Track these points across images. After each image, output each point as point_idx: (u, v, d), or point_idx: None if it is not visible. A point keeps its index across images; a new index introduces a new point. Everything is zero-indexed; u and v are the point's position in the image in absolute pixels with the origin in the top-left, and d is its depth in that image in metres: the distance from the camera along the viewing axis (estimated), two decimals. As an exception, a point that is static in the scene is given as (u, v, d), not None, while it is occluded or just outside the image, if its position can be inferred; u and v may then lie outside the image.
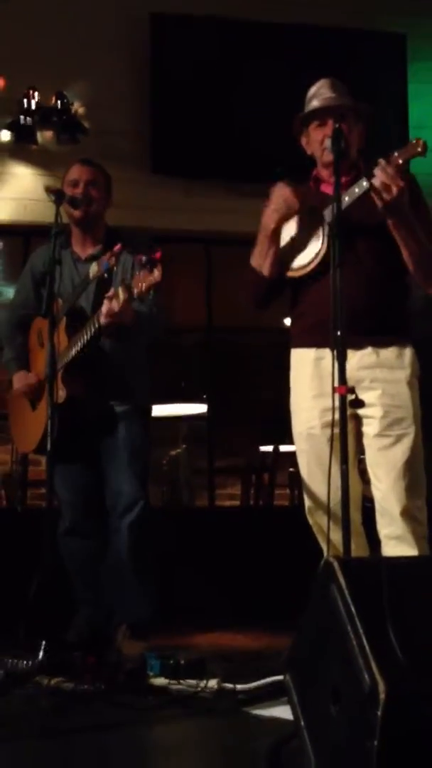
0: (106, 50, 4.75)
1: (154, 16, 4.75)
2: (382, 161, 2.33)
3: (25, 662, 2.46)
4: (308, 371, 2.53)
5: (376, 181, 2.33)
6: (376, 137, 2.71)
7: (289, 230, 2.54)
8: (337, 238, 2.26)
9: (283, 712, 1.92)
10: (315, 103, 2.56)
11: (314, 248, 2.49)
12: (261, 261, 2.56)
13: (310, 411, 2.51)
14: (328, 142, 2.43)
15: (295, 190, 2.49)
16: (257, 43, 4.76)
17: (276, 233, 2.53)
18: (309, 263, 2.50)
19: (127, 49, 4.80)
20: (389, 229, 2.45)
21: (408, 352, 2.49)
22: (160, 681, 2.41)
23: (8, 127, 4.63)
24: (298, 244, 2.52)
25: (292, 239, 2.53)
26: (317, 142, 2.55)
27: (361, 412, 2.45)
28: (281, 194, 2.51)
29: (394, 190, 2.32)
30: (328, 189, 2.53)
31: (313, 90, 2.60)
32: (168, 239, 4.58)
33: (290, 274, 2.55)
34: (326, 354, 2.33)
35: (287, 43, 4.74)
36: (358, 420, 2.50)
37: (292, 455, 2.80)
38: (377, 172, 2.33)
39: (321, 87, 2.58)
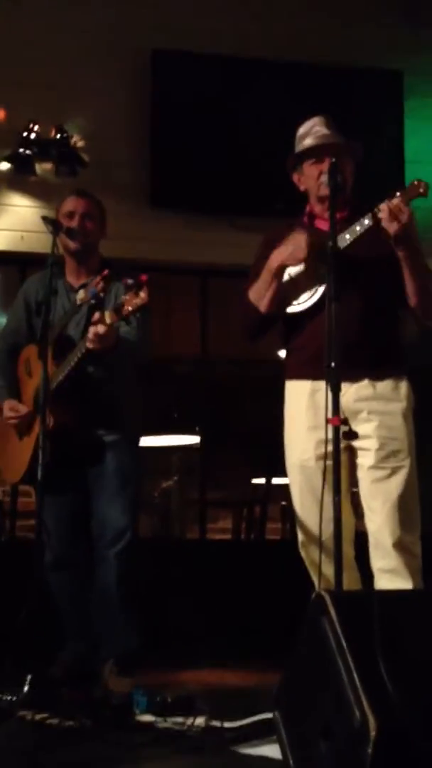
0: (106, 84, 4.81)
1: (156, 52, 4.82)
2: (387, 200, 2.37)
3: (9, 696, 2.41)
4: (303, 403, 2.53)
5: (383, 214, 2.36)
6: (372, 173, 2.75)
7: (292, 268, 2.55)
8: (332, 272, 2.27)
9: (272, 750, 1.88)
10: (310, 141, 2.59)
11: (315, 287, 2.51)
12: (260, 296, 2.57)
13: (304, 443, 2.51)
14: (324, 177, 2.45)
15: (310, 239, 2.48)
16: (256, 80, 4.84)
17: (280, 271, 2.54)
18: (308, 300, 2.52)
19: (127, 82, 4.86)
20: (387, 264, 2.47)
21: (404, 385, 2.51)
22: (147, 718, 2.37)
23: (7, 159, 4.67)
24: (299, 282, 2.53)
25: (294, 277, 2.54)
26: (313, 177, 2.58)
27: (356, 444, 2.45)
28: (297, 242, 2.50)
29: (404, 218, 2.34)
30: (322, 224, 2.55)
31: (306, 127, 2.63)
32: (165, 270, 4.61)
33: (290, 310, 2.56)
34: (322, 386, 2.34)
35: (285, 80, 4.81)
36: (352, 452, 2.50)
37: (285, 488, 2.79)
38: (383, 206, 2.36)
39: (315, 125, 2.61)
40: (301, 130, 2.64)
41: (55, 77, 4.72)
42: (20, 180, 4.71)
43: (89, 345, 2.74)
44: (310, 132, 2.60)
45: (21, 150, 4.64)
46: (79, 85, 4.76)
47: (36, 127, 4.64)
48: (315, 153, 2.57)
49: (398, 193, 2.37)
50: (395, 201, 2.36)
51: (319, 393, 2.40)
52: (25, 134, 4.62)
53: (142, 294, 2.59)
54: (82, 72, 4.78)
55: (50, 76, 4.72)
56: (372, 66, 4.96)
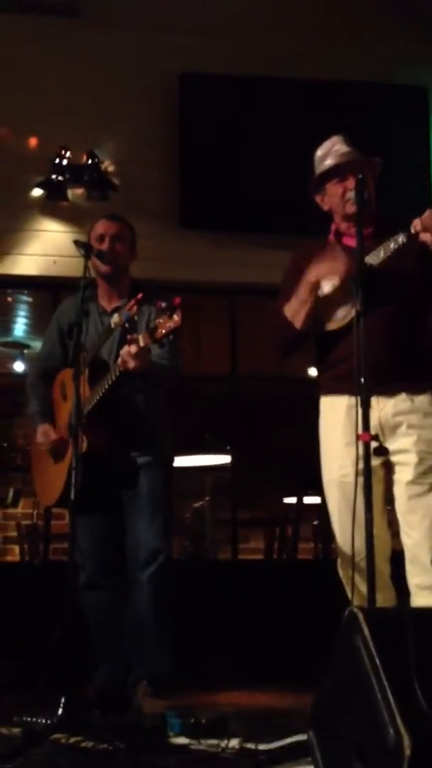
0: (135, 108, 4.88)
1: (183, 75, 4.89)
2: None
3: (43, 720, 2.41)
4: (341, 418, 2.51)
5: (418, 227, 2.36)
6: (398, 189, 2.74)
7: (327, 286, 2.55)
8: (361, 288, 2.27)
9: (306, 772, 1.85)
10: (331, 161, 2.59)
11: (351, 304, 2.50)
12: (295, 312, 2.57)
13: (342, 459, 2.48)
14: (351, 194, 2.46)
15: (347, 258, 2.49)
16: (280, 100, 4.87)
17: (316, 288, 2.54)
18: (344, 318, 2.51)
19: (156, 107, 4.93)
20: (420, 278, 2.47)
21: None
22: (181, 740, 2.35)
23: (40, 185, 4.75)
24: (335, 300, 2.53)
25: (328, 295, 2.54)
26: (337, 196, 2.58)
27: (393, 458, 2.44)
28: (336, 258, 2.51)
29: None
30: (350, 242, 2.55)
31: (324, 148, 2.63)
32: (194, 290, 4.63)
33: (329, 327, 2.56)
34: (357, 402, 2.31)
35: (310, 98, 4.83)
36: (389, 468, 2.47)
37: (316, 507, 2.77)
38: (416, 221, 2.37)
39: (334, 144, 2.62)
40: (320, 151, 2.64)
41: (86, 103, 4.81)
42: (52, 205, 4.78)
43: (122, 365, 2.75)
44: (330, 152, 2.61)
45: (53, 176, 4.71)
46: (109, 110, 4.84)
47: (68, 153, 4.71)
48: (338, 172, 2.58)
49: (429, 209, 2.37)
50: (427, 213, 2.36)
51: (356, 409, 2.37)
52: (57, 160, 4.70)
53: (176, 317, 2.61)
54: (112, 97, 4.85)
55: (81, 102, 4.80)
56: (397, 82, 4.97)
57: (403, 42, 5.05)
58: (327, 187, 2.62)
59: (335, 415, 2.54)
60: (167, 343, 2.78)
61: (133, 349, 2.72)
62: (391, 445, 2.46)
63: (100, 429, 2.91)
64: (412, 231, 2.38)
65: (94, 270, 3.07)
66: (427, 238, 2.37)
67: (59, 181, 4.72)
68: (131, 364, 2.73)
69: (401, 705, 1.39)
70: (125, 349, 2.74)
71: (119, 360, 2.77)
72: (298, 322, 2.56)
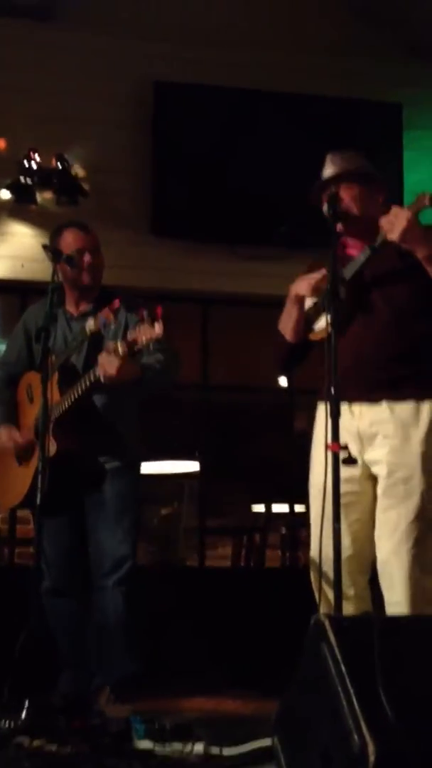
0: (107, 113, 4.88)
1: (158, 83, 4.90)
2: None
3: (7, 722, 2.39)
4: (323, 426, 2.51)
5: (382, 228, 2.38)
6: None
7: (309, 299, 2.57)
8: (333, 305, 2.27)
9: (271, 777, 1.86)
10: (325, 173, 2.60)
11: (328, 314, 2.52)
12: (285, 325, 2.60)
13: (322, 465, 2.48)
14: (325, 208, 2.47)
15: (321, 275, 2.48)
16: (256, 111, 4.91)
17: (300, 300, 2.55)
18: (322, 329, 2.49)
19: (129, 112, 4.93)
20: (405, 280, 2.45)
21: (426, 408, 2.41)
22: (146, 744, 2.34)
23: (8, 188, 4.72)
24: (315, 311, 2.55)
25: (315, 304, 2.55)
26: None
27: (372, 469, 2.42)
28: (312, 274, 2.51)
29: (402, 219, 2.34)
30: (353, 252, 2.55)
31: (329, 157, 2.63)
32: (165, 299, 4.63)
33: (311, 337, 2.57)
34: (344, 409, 2.31)
35: (285, 111, 4.88)
36: (375, 480, 2.44)
37: (285, 516, 2.78)
38: (382, 220, 2.39)
39: (329, 157, 2.62)
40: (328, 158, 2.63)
41: (57, 107, 4.79)
42: (21, 209, 4.75)
43: (102, 374, 2.73)
44: (325, 166, 2.61)
45: (22, 179, 4.69)
46: (80, 114, 4.83)
47: (37, 156, 4.69)
48: (321, 187, 2.56)
49: (406, 207, 2.40)
50: (392, 210, 2.38)
51: (342, 416, 2.28)
52: (25, 163, 4.67)
53: (157, 326, 2.59)
54: (84, 102, 4.85)
55: (51, 105, 4.79)
56: (371, 99, 5.04)
57: (379, 59, 5.11)
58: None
59: (320, 422, 2.52)
60: (157, 346, 2.75)
61: (115, 361, 2.71)
62: (368, 455, 2.43)
63: (70, 433, 2.90)
64: (381, 231, 2.38)
65: (63, 276, 3.06)
66: (394, 234, 2.36)
67: (28, 183, 4.70)
68: (113, 376, 2.72)
69: (366, 712, 1.41)
70: (104, 357, 2.73)
71: (99, 369, 2.77)
72: (287, 335, 2.59)
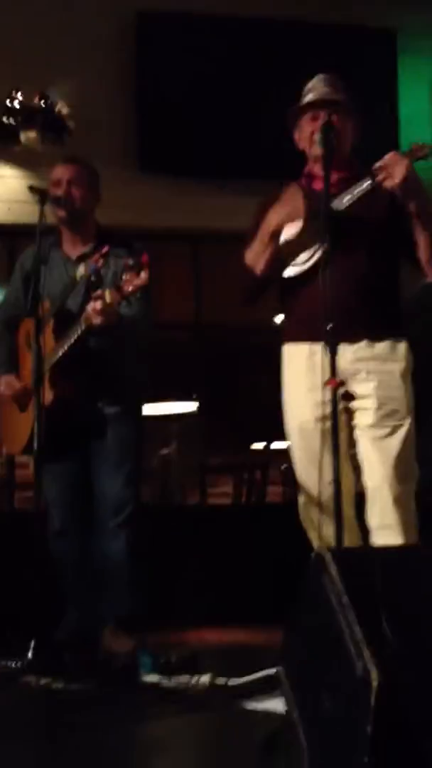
0: (91, 49, 4.75)
1: (141, 14, 4.74)
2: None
3: (14, 662, 2.44)
4: (301, 366, 2.52)
5: (378, 171, 2.34)
6: (366, 134, 2.70)
7: (289, 231, 2.52)
8: (327, 234, 2.25)
9: (276, 704, 1.91)
10: (309, 97, 2.55)
11: (311, 250, 2.48)
12: (256, 258, 2.55)
13: (303, 405, 2.50)
14: (317, 136, 2.42)
15: (308, 200, 2.46)
16: (245, 40, 4.77)
17: (277, 233, 2.51)
18: (305, 263, 2.49)
19: (112, 47, 4.80)
20: (386, 224, 2.45)
21: (402, 346, 2.50)
22: (152, 678, 2.40)
23: (-10, 128, 4.62)
24: (296, 245, 2.51)
25: (290, 240, 2.51)
26: (307, 135, 2.54)
27: (354, 404, 2.46)
28: (294, 202, 2.48)
29: (402, 169, 2.33)
30: (320, 185, 2.50)
31: (309, 85, 2.58)
32: (156, 237, 4.57)
33: (286, 273, 2.54)
34: (319, 349, 2.33)
35: (276, 39, 4.74)
36: (350, 413, 2.50)
37: (284, 452, 2.79)
38: (378, 163, 2.35)
39: (317, 81, 2.57)
40: (306, 87, 2.58)
41: (38, 43, 4.66)
42: (5, 150, 4.66)
43: (87, 321, 2.73)
44: (311, 89, 2.56)
45: (4, 119, 4.58)
46: (62, 50, 4.69)
47: (19, 95, 4.57)
48: (311, 109, 2.52)
49: (396, 153, 2.37)
50: (389, 155, 2.34)
51: (317, 355, 2.39)
52: (8, 103, 4.56)
53: (143, 274, 2.60)
54: (66, 37, 4.71)
55: (32, 42, 4.65)
56: (365, 24, 4.88)
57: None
58: (302, 124, 2.57)
59: (296, 362, 2.54)
60: (135, 299, 2.76)
61: (99, 305, 2.69)
62: (353, 390, 2.47)
63: (67, 379, 2.89)
64: (376, 172, 2.35)
65: (54, 216, 3.00)
66: (387, 182, 2.35)
67: (11, 124, 4.59)
68: (96, 320, 2.71)
69: (369, 641, 1.43)
70: (91, 305, 2.72)
71: (84, 315, 2.74)
72: (258, 268, 2.54)
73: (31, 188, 2.91)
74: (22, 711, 2.16)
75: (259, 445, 5.54)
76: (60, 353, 2.86)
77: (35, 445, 2.63)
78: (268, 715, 1.97)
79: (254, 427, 5.68)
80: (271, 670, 1.96)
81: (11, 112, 4.57)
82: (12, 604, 2.55)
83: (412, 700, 1.42)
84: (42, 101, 4.60)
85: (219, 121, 4.70)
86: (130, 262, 2.66)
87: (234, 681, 2.29)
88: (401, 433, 2.44)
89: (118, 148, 4.71)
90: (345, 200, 2.41)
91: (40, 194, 2.85)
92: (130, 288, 2.63)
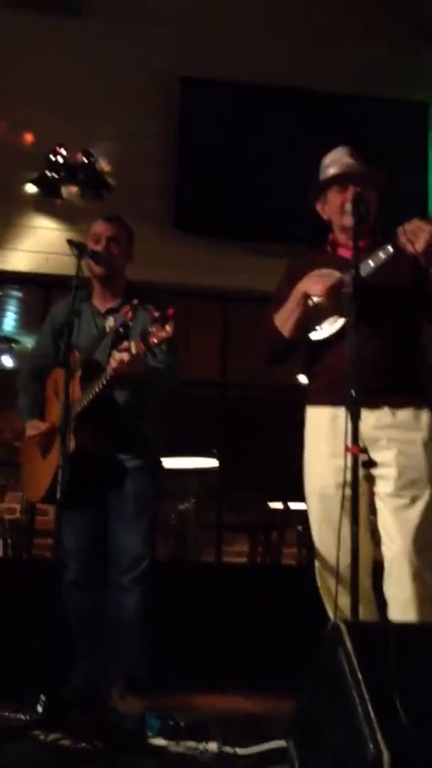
0: (133, 108, 4.88)
1: (185, 81, 4.89)
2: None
3: (23, 716, 2.42)
4: (323, 430, 2.53)
5: (402, 236, 2.38)
6: (396, 204, 2.76)
7: (316, 297, 2.56)
8: (355, 300, 2.29)
9: (284, 778, 1.87)
10: (333, 170, 2.62)
11: (337, 315, 2.52)
12: (284, 321, 2.58)
13: (324, 470, 2.50)
14: (348, 206, 2.48)
15: (336, 276, 2.49)
16: (281, 108, 4.89)
17: (306, 298, 2.55)
18: (329, 327, 2.53)
19: (154, 108, 4.93)
20: (409, 292, 2.48)
21: (425, 415, 2.50)
22: (160, 741, 2.36)
23: (34, 182, 4.75)
24: (323, 309, 2.54)
25: (317, 305, 2.55)
26: (336, 206, 2.60)
27: (375, 472, 2.45)
28: (324, 274, 2.51)
29: (426, 233, 2.35)
30: (345, 253, 2.56)
31: (330, 157, 2.66)
32: (186, 294, 4.65)
33: (312, 336, 2.57)
34: (341, 413, 2.34)
35: (310, 108, 4.85)
36: (371, 481, 2.49)
37: (302, 513, 2.79)
38: (400, 228, 2.39)
39: (339, 154, 2.64)
40: (326, 159, 2.67)
41: (83, 101, 4.80)
42: (46, 202, 4.77)
43: (112, 371, 2.78)
44: (334, 161, 2.63)
45: (48, 173, 4.71)
46: (106, 109, 4.83)
47: (63, 151, 4.71)
48: (339, 181, 2.59)
49: (421, 218, 2.40)
50: (413, 221, 2.38)
51: (339, 420, 2.40)
52: (52, 157, 4.70)
53: (168, 327, 2.64)
54: (110, 96, 4.85)
55: (78, 100, 4.80)
56: (397, 97, 4.99)
57: (406, 56, 5.07)
58: (327, 196, 2.63)
59: (318, 426, 2.55)
60: (160, 351, 2.81)
61: (125, 356, 2.74)
62: (373, 458, 2.45)
63: (90, 430, 2.91)
64: (399, 238, 2.39)
65: (89, 270, 3.07)
66: (409, 248, 2.38)
67: (53, 178, 4.72)
68: (122, 371, 2.76)
69: (382, 720, 1.41)
70: (117, 356, 2.76)
71: (110, 366, 2.79)
72: (286, 331, 2.57)
73: (70, 242, 2.99)
74: (27, 766, 2.13)
75: (277, 505, 5.51)
76: (85, 402, 2.90)
77: (58, 494, 2.65)
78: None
79: (273, 486, 5.66)
80: (281, 742, 1.93)
81: (54, 166, 4.70)
82: (25, 656, 2.53)
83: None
84: (84, 158, 4.74)
85: (254, 184, 4.80)
86: (156, 314, 2.71)
87: (242, 750, 2.25)
88: (421, 503, 2.42)
89: (155, 206, 4.80)
90: (371, 264, 2.44)
91: (78, 248, 2.93)
92: (155, 340, 2.68)
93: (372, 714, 1.42)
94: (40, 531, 4.68)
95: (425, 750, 1.43)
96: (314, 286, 2.51)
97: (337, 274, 2.48)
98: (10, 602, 3.75)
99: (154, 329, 2.69)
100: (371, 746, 1.39)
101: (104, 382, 2.85)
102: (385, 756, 1.36)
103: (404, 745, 1.40)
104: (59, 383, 3.06)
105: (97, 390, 2.87)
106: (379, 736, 1.39)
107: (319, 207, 2.68)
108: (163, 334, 2.65)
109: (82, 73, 4.85)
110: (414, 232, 2.37)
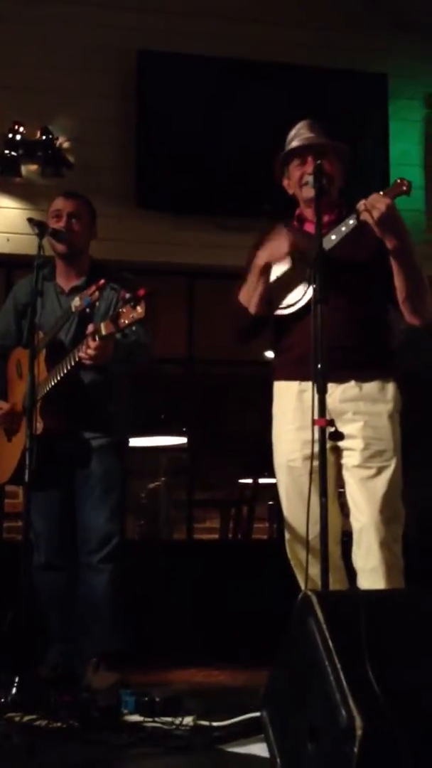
0: (92, 85, 4.80)
1: (141, 53, 4.82)
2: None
3: (-2, 697, 2.42)
4: (291, 404, 2.54)
5: (361, 207, 2.39)
6: (358, 175, 2.76)
7: (279, 269, 2.56)
8: (319, 274, 2.29)
9: (259, 749, 1.89)
10: (295, 143, 2.61)
11: (302, 289, 2.51)
12: (248, 297, 2.58)
13: (291, 443, 2.52)
14: (308, 179, 2.47)
15: (292, 236, 2.50)
16: (243, 81, 4.84)
17: (266, 271, 2.55)
18: (295, 303, 2.52)
19: (113, 83, 4.85)
20: (375, 265, 2.48)
21: (390, 387, 2.53)
22: (135, 718, 2.38)
23: (-8, 160, 4.66)
24: (286, 283, 2.54)
25: (281, 279, 2.55)
26: (297, 180, 2.59)
27: (341, 444, 2.47)
28: (279, 238, 2.52)
29: (381, 206, 2.36)
30: (311, 228, 2.55)
31: (293, 131, 2.65)
32: (151, 272, 4.61)
33: (278, 312, 2.57)
34: (308, 387, 2.34)
35: (272, 82, 4.81)
36: (338, 452, 2.51)
37: (272, 488, 2.80)
38: (361, 203, 2.39)
39: (300, 128, 2.63)
40: (290, 134, 2.65)
41: (41, 79, 4.71)
42: (5, 182, 4.69)
43: (84, 358, 2.74)
44: (296, 135, 2.62)
45: (6, 151, 4.63)
46: (64, 86, 4.75)
47: (21, 129, 4.63)
48: (299, 154, 2.58)
49: (381, 192, 2.40)
50: (372, 195, 2.39)
51: (306, 393, 2.41)
52: (10, 136, 4.61)
53: (140, 309, 2.61)
54: (68, 73, 4.76)
55: (35, 77, 4.70)
56: (356, 69, 4.98)
57: (363, 30, 5.04)
58: (290, 170, 2.62)
59: (286, 400, 2.56)
60: (136, 327, 2.78)
61: (93, 344, 2.71)
62: (340, 430, 2.47)
63: (57, 411, 2.90)
64: (359, 211, 2.39)
65: (51, 249, 3.03)
66: (368, 217, 2.39)
67: (12, 156, 4.63)
68: (95, 359, 2.73)
69: (354, 687, 1.43)
70: (91, 344, 2.72)
71: (80, 353, 2.76)
72: (252, 307, 2.57)
73: (31, 220, 2.95)
74: (3, 747, 2.13)
75: (247, 480, 5.54)
76: (52, 384, 2.88)
77: (26, 476, 2.63)
78: (251, 759, 1.96)
79: (243, 461, 5.69)
80: (255, 714, 1.95)
81: (13, 144, 4.62)
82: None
83: (396, 749, 1.42)
84: (43, 136, 4.66)
85: (217, 159, 4.76)
86: (127, 295, 2.68)
87: (218, 723, 2.27)
88: (387, 474, 2.45)
89: (117, 184, 4.73)
90: (332, 238, 2.45)
91: (39, 226, 2.89)
92: (126, 321, 2.65)
93: (344, 682, 1.44)
94: (9, 514, 4.65)
95: (397, 716, 1.45)
96: (274, 252, 2.50)
97: (287, 235, 2.47)
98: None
99: (125, 310, 2.66)
100: (344, 713, 1.41)
101: (71, 364, 2.82)
102: (358, 722, 1.38)
103: (377, 711, 1.42)
104: (23, 364, 3.04)
105: (64, 371, 2.85)
106: (351, 703, 1.41)
107: (285, 183, 2.67)
108: (134, 315, 2.63)
109: (39, 49, 4.75)
110: (372, 204, 2.38)
